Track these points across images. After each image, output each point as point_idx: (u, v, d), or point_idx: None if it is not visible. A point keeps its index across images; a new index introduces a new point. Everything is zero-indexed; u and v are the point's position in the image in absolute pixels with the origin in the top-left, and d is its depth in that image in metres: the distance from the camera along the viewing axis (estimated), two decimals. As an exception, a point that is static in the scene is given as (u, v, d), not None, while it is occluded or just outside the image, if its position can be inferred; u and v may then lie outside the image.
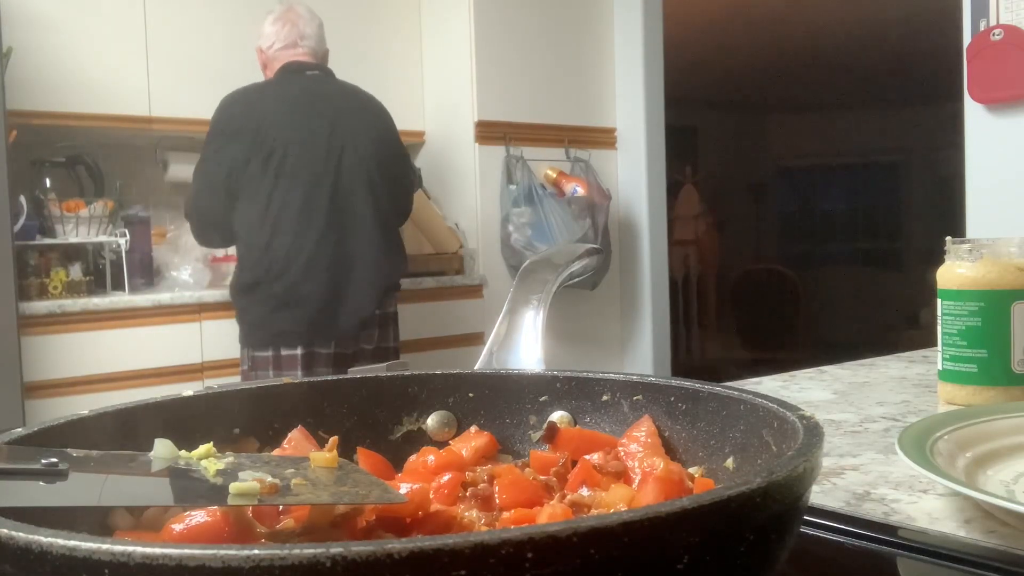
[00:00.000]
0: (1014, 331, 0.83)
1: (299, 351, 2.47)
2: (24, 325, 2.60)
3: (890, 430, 0.79)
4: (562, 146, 3.83)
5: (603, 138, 3.98)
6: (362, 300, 2.51)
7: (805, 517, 0.45)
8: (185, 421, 0.50)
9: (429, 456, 0.52)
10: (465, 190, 3.68)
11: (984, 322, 0.84)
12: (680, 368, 5.43)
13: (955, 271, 0.86)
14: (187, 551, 0.27)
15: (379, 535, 0.40)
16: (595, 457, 0.49)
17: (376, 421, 0.57)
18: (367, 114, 2.60)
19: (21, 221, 2.75)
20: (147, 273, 3.18)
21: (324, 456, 0.44)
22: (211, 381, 2.91)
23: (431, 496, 0.44)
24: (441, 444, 0.56)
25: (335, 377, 0.58)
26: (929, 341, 1.11)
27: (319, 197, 2.45)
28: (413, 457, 0.53)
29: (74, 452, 0.41)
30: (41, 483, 0.37)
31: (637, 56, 3.92)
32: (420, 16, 3.78)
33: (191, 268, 3.12)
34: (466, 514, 0.43)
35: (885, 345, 1.91)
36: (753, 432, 0.46)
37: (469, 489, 0.45)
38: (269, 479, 0.39)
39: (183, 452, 0.43)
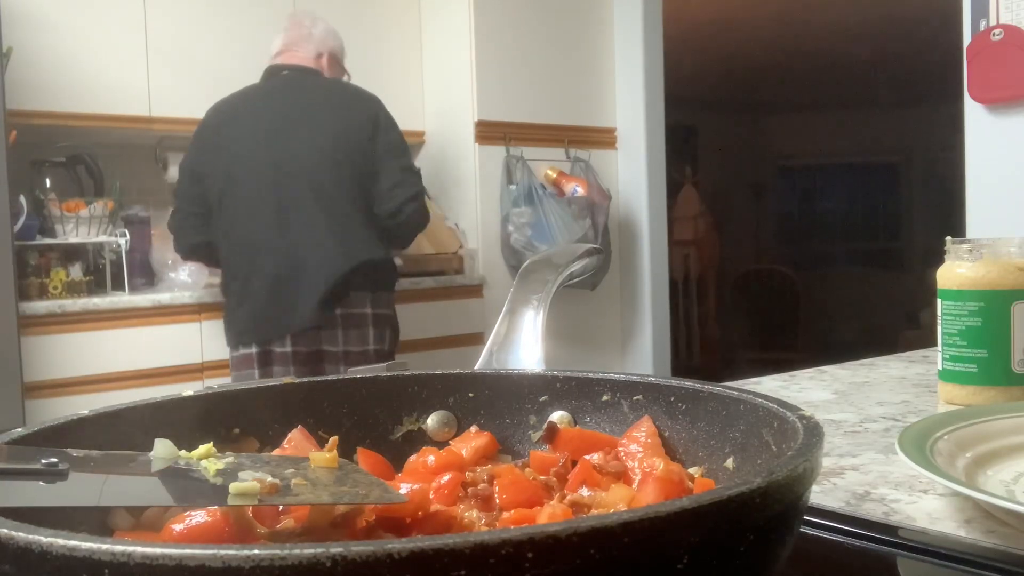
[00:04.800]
0: (1014, 331, 0.83)
1: (254, 350, 2.48)
2: (24, 325, 2.60)
3: (890, 430, 0.79)
4: (562, 146, 3.83)
5: (603, 138, 3.98)
6: (309, 298, 2.43)
7: (805, 517, 0.45)
8: (185, 421, 0.50)
9: (429, 456, 0.52)
10: (465, 190, 3.68)
11: (984, 322, 0.84)
12: (680, 368, 5.43)
13: (955, 271, 0.86)
14: (187, 551, 0.27)
15: (379, 535, 0.40)
16: (595, 457, 0.49)
17: (376, 421, 0.57)
18: (331, 107, 2.54)
19: (21, 221, 2.75)
20: (147, 273, 3.18)
21: (324, 456, 0.44)
22: (211, 381, 2.91)
23: (431, 496, 0.44)
24: (441, 444, 0.56)
25: (335, 377, 0.58)
26: (929, 341, 1.11)
27: (262, 194, 2.47)
28: (413, 457, 0.53)
29: (74, 452, 0.41)
30: (41, 483, 0.37)
31: (637, 56, 3.92)
32: (420, 16, 3.78)
33: (191, 268, 3.12)
34: (466, 514, 0.43)
35: (885, 345, 1.91)
36: (753, 432, 0.46)
37: (469, 489, 0.45)
38: (269, 479, 0.39)
39: (183, 452, 0.43)
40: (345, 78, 2.77)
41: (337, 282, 2.43)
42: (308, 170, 2.46)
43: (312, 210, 2.45)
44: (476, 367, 0.63)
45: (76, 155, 3.07)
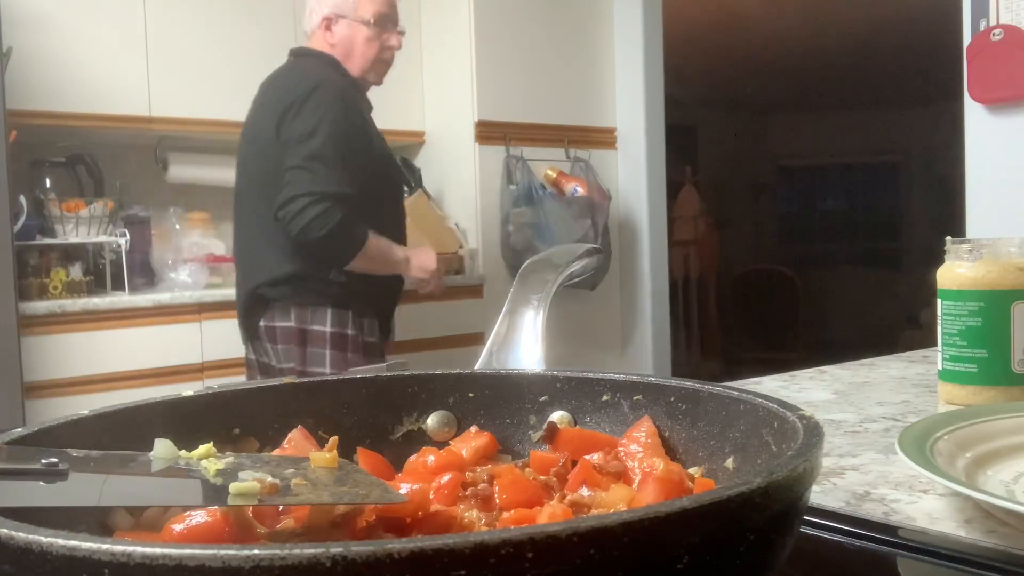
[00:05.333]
0: (1014, 331, 0.83)
1: (243, 355, 2.47)
2: (24, 325, 2.60)
3: (890, 430, 0.79)
4: (562, 146, 3.83)
5: (603, 138, 3.98)
6: (239, 310, 2.38)
7: (805, 517, 0.45)
8: (185, 421, 0.50)
9: (429, 456, 0.52)
10: (465, 190, 3.68)
11: (984, 322, 0.84)
12: (680, 368, 5.43)
13: (955, 271, 0.86)
14: (187, 551, 0.27)
15: (379, 535, 0.40)
16: (595, 457, 0.49)
17: (376, 421, 0.57)
18: (259, 101, 2.35)
19: (21, 221, 2.75)
20: (147, 273, 3.18)
21: (324, 456, 0.44)
22: (211, 381, 2.91)
23: (431, 496, 0.44)
24: (441, 444, 0.56)
25: (335, 377, 0.58)
26: (929, 341, 1.11)
27: (234, 198, 2.43)
28: (413, 457, 0.53)
29: (74, 452, 0.41)
30: (41, 483, 0.37)
31: (637, 56, 3.92)
32: (420, 16, 3.78)
33: (191, 268, 3.12)
34: (466, 514, 0.43)
35: (885, 345, 1.91)
36: (753, 432, 0.46)
37: (469, 489, 0.45)
38: (269, 479, 0.39)
39: (183, 452, 0.43)
40: (364, 25, 2.35)
41: (250, 295, 2.28)
42: (244, 173, 2.34)
43: (246, 217, 2.32)
44: (476, 367, 0.63)
45: (76, 155, 3.07)
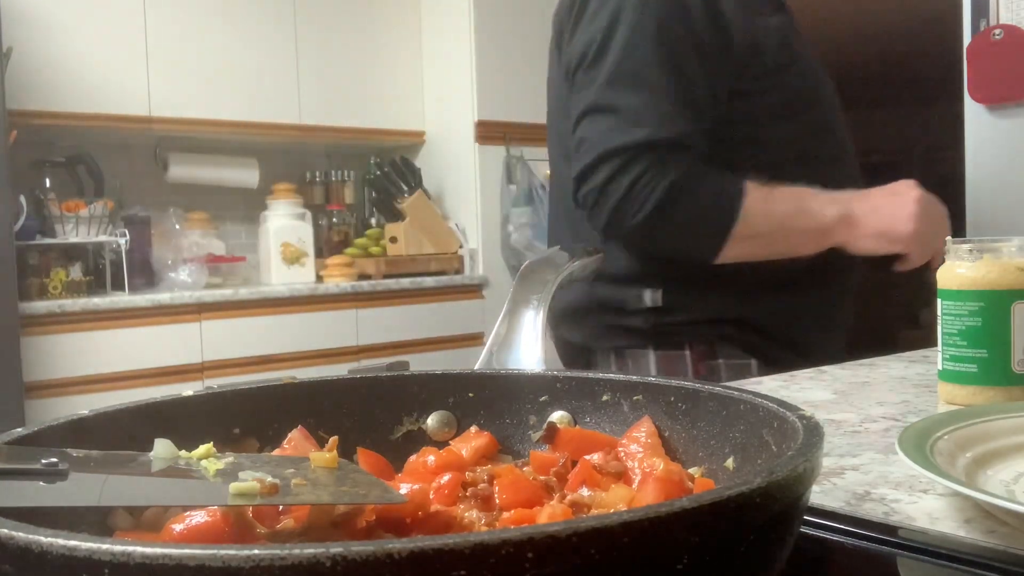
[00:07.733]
0: (1014, 331, 0.83)
1: None
2: (24, 325, 2.60)
3: (890, 430, 0.79)
4: (562, 146, 3.82)
5: (603, 138, 3.97)
6: None
7: (805, 517, 0.45)
8: (185, 421, 0.50)
9: (429, 456, 0.52)
10: (465, 190, 3.68)
11: (984, 322, 0.84)
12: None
13: (955, 271, 0.86)
14: (187, 551, 0.27)
15: (379, 535, 0.40)
16: (595, 457, 0.49)
17: (376, 421, 0.57)
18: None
19: (21, 221, 2.75)
20: (147, 273, 3.18)
21: (324, 456, 0.44)
22: (211, 381, 2.91)
23: (431, 496, 0.44)
24: (441, 444, 0.56)
25: (335, 377, 0.58)
26: (929, 341, 1.11)
27: None
28: (413, 457, 0.53)
29: (74, 452, 0.41)
30: (41, 483, 0.37)
31: (637, 56, 3.91)
32: (420, 16, 3.78)
33: (191, 268, 3.12)
34: (466, 514, 0.43)
35: (885, 345, 1.91)
36: (753, 432, 0.46)
37: (469, 489, 0.45)
38: (269, 479, 0.39)
39: (183, 452, 0.43)
40: None
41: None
42: (549, 142, 1.58)
43: (553, 207, 1.53)
44: (476, 367, 0.63)
45: (76, 155, 3.07)
